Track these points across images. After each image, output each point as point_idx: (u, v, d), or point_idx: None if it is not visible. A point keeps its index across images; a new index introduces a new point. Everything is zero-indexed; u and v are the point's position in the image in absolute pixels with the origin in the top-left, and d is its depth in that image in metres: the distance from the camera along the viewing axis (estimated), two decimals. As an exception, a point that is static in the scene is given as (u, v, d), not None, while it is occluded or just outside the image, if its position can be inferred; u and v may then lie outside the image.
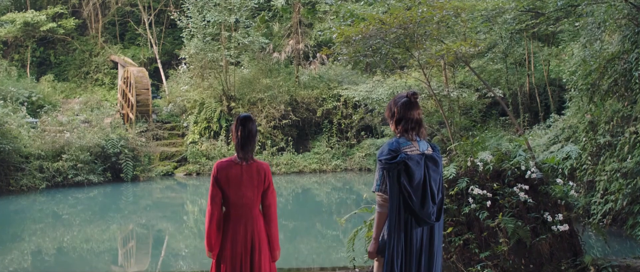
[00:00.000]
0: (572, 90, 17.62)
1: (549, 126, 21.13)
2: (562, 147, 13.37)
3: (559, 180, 9.50)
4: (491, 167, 8.98)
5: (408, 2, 10.11)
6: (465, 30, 11.33)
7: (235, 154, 5.37)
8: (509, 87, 25.33)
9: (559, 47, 25.31)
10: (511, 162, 9.32)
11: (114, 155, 22.57)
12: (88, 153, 21.85)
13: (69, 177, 21.26)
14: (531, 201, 8.58)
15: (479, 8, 11.81)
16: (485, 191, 8.38)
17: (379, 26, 9.73)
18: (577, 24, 16.41)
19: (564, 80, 18.31)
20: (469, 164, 9.33)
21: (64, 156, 21.37)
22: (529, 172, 9.05)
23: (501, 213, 8.24)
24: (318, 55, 29.28)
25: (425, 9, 9.52)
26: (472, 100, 24.18)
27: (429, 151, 4.81)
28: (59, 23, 31.74)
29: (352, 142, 27.80)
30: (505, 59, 24.70)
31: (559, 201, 9.07)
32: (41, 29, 30.86)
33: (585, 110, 13.93)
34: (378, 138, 26.95)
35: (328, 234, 16.08)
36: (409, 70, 18.84)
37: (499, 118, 25.37)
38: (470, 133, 22.25)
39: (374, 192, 4.89)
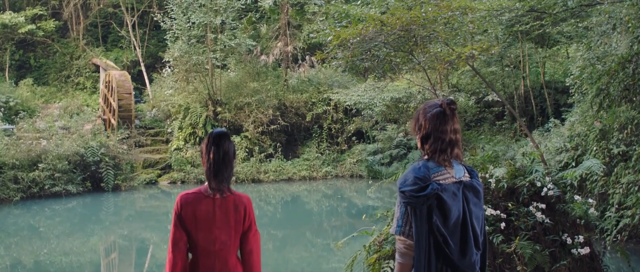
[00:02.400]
0: (577, 94, 16.93)
1: (548, 130, 20.49)
2: (573, 156, 12.53)
3: (577, 196, 8.78)
4: (505, 185, 8.23)
5: (410, 1, 9.21)
6: (474, 31, 10.42)
7: (206, 184, 4.14)
8: (505, 91, 24.74)
9: (553, 48, 24.82)
10: (526, 179, 8.57)
11: (94, 163, 21.52)
12: (66, 162, 20.75)
13: (46, 187, 20.15)
14: (548, 221, 7.93)
15: (480, 8, 10.94)
16: (498, 212, 7.78)
17: (379, 28, 8.81)
18: (580, 25, 15.70)
19: (568, 84, 17.59)
20: (480, 180, 8.44)
21: (41, 165, 20.23)
22: (545, 189, 8.34)
23: (518, 237, 7.55)
24: (307, 57, 28.49)
25: (429, 9, 8.62)
26: (469, 104, 23.53)
27: (467, 178, 3.72)
28: (38, 25, 30.66)
29: (343, 148, 27.05)
30: (501, 62, 24.04)
31: (578, 220, 8.43)
32: (20, 31, 29.79)
33: (594, 117, 13.14)
34: (369, 143, 26.26)
35: (318, 243, 15.91)
36: (401, 73, 18.05)
37: (495, 122, 24.67)
38: (464, 138, 21.62)
39: (393, 234, 3.91)
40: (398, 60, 10.95)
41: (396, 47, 9.66)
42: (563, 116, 20.94)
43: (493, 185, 8.20)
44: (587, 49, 14.96)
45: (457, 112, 3.69)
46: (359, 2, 12.49)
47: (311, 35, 26.35)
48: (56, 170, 20.36)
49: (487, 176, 8.53)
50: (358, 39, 8.95)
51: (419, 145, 3.76)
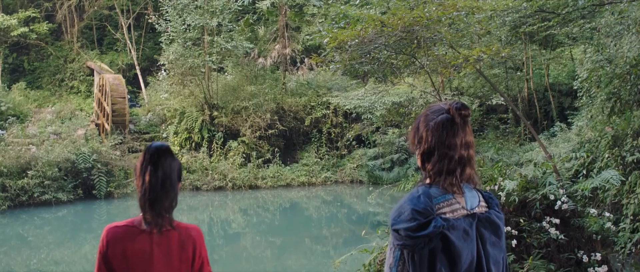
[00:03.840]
0: (585, 97, 16.35)
1: (554, 135, 20.02)
2: (584, 163, 11.90)
3: (592, 210, 8.24)
4: (516, 199, 7.69)
5: (412, 1, 8.59)
6: (481, 33, 9.77)
7: (140, 215, 3.17)
8: (508, 94, 24.24)
9: (557, 50, 24.42)
10: (539, 192, 8.02)
11: (86, 170, 20.90)
12: (56, 169, 20.13)
13: (35, 195, 19.52)
14: (563, 237, 7.43)
15: (487, 8, 10.35)
16: (509, 228, 7.37)
17: (379, 29, 8.18)
18: (587, 25, 15.14)
19: (576, 87, 17.04)
20: None
21: (30, 173, 19.60)
22: (559, 203, 7.81)
23: (531, 256, 7.10)
24: (306, 60, 27.93)
25: (433, 9, 8.00)
26: (472, 108, 22.99)
27: (483, 208, 2.80)
28: (31, 28, 30.05)
29: (343, 153, 26.48)
30: (505, 64, 23.52)
31: (594, 235, 7.93)
32: (12, 34, 29.20)
33: (605, 122, 12.58)
34: (370, 147, 25.70)
35: (317, 250, 15.70)
36: (402, 77, 17.50)
37: (499, 126, 24.15)
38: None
39: None
40: (400, 63, 10.34)
41: (398, 50, 9.04)
42: (569, 120, 20.50)
43: (503, 199, 7.69)
44: (596, 51, 14.40)
45: (469, 120, 2.82)
46: (358, 2, 11.90)
47: (306, 36, 25.84)
48: (46, 177, 19.76)
49: (496, 188, 8.00)
50: (356, 41, 8.33)
51: (418, 163, 2.86)
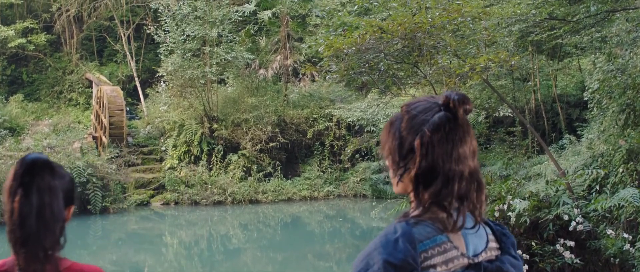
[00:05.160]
0: (596, 109, 15.77)
1: (563, 148, 19.45)
2: (597, 178, 11.29)
3: (609, 231, 7.66)
4: (527, 220, 7.10)
5: (414, 5, 8.00)
6: (488, 39, 9.18)
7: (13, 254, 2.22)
8: (515, 105, 23.70)
9: (565, 60, 23.95)
10: (552, 212, 7.45)
11: (80, 185, 20.32)
12: (49, 183, 19.52)
13: (26, 211, 18.88)
14: (578, 261, 6.85)
15: (494, 15, 9.79)
16: (520, 251, 6.66)
17: (378, 36, 7.58)
18: (597, 34, 14.60)
19: (586, 98, 16.46)
20: (496, 214, 7.46)
21: (21, 187, 18.99)
22: (573, 223, 7.22)
23: None
24: (307, 72, 27.46)
25: (437, 14, 7.41)
26: (478, 120, 22.48)
27: (492, 251, 1.95)
28: (28, 39, 29.58)
29: (346, 166, 25.91)
30: (512, 75, 22.98)
31: (612, 258, 7.36)
32: (10, 45, 28.76)
33: (619, 135, 11.99)
34: (373, 161, 25.14)
35: (320, 266, 15.61)
36: (405, 88, 17.01)
37: (506, 139, 23.56)
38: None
39: None
40: (402, 73, 9.76)
41: (399, 59, 8.44)
42: (578, 132, 19.94)
43: (513, 220, 7.10)
44: (607, 60, 13.84)
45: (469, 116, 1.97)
46: (356, 7, 11.30)
47: (303, 45, 25.39)
48: (39, 192, 19.12)
49: (505, 208, 7.41)
50: (353, 49, 7.74)
51: (400, 189, 1.96)
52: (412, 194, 1.92)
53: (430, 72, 8.30)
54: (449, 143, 1.86)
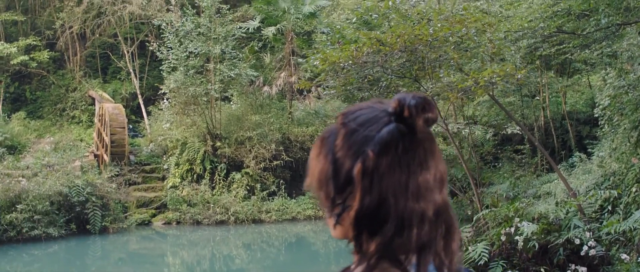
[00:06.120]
0: (607, 126, 15.33)
1: (573, 166, 18.97)
2: (609, 198, 10.82)
3: (624, 255, 7.20)
4: (536, 244, 6.63)
5: (416, 16, 7.58)
6: (494, 52, 8.70)
7: None
8: (524, 122, 23.27)
9: (574, 77, 23.54)
10: (562, 236, 7.00)
11: (79, 204, 19.91)
12: (48, 202, 19.08)
13: (24, 230, 18.44)
14: None
15: (500, 29, 9.37)
16: None
17: (377, 48, 7.13)
18: (608, 49, 14.20)
19: (597, 115, 16.04)
20: (503, 238, 7.00)
21: (19, 207, 18.56)
22: (585, 248, 6.76)
23: None
24: (313, 88, 27.06)
25: (439, 25, 6.98)
26: (486, 138, 22.02)
27: None
28: (31, 56, 29.33)
29: (352, 184, 25.36)
30: (520, 91, 22.56)
31: None
32: (12, 62, 28.55)
33: (632, 153, 11.55)
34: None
35: None
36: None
37: (515, 157, 23.08)
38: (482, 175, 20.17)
39: None
40: (404, 89, 9.33)
41: (399, 73, 8.00)
42: (588, 150, 19.47)
43: (521, 245, 6.64)
44: (618, 76, 13.41)
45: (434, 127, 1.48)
46: (354, 20, 10.83)
47: (299, 60, 25.03)
48: (36, 211, 18.71)
49: (512, 231, 6.96)
50: (351, 62, 7.30)
51: (334, 231, 1.40)
52: (353, 243, 1.36)
53: (432, 87, 7.80)
54: (403, 170, 1.30)
